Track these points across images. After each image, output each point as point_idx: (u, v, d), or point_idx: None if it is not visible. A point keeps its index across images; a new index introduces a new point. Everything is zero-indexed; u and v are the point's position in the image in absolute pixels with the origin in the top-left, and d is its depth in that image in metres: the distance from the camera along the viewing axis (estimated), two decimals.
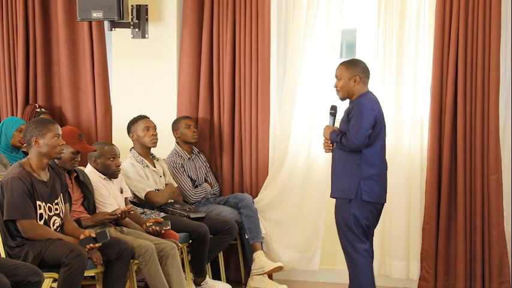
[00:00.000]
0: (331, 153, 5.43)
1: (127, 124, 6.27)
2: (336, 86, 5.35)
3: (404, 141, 6.26)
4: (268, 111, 6.49)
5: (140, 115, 6.26)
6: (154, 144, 6.21)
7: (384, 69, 6.27)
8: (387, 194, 5.40)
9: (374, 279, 5.38)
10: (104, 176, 5.61)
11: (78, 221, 5.18)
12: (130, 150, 6.23)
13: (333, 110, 5.47)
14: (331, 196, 5.40)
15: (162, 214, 5.97)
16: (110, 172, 5.61)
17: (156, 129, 6.22)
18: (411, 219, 6.24)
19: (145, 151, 6.21)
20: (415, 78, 6.21)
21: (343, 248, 5.38)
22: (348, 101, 5.39)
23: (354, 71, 5.30)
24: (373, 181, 5.26)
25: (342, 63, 5.41)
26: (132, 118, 6.26)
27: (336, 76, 5.35)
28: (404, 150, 6.25)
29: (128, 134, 6.24)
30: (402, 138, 6.25)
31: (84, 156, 6.05)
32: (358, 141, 5.17)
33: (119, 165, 5.67)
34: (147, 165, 6.16)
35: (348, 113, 5.27)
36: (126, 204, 5.75)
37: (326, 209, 6.43)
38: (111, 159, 5.61)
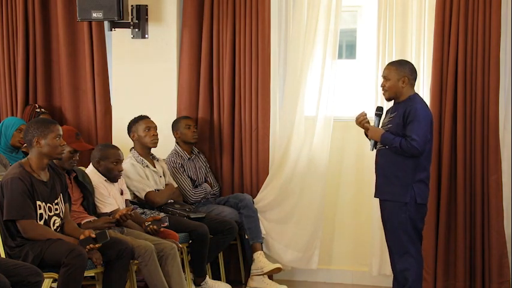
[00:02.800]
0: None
1: (127, 124, 6.27)
2: (383, 86, 5.41)
3: None
4: (268, 111, 6.48)
5: (141, 115, 6.26)
6: (155, 145, 6.21)
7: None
8: None
9: (422, 281, 5.46)
10: (104, 178, 5.61)
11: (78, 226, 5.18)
12: (131, 150, 6.24)
13: (379, 111, 5.51)
14: (379, 197, 5.45)
15: (162, 214, 5.97)
16: (111, 176, 5.61)
17: (156, 129, 6.22)
18: None
19: (145, 151, 6.21)
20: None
21: (392, 251, 5.40)
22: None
23: (402, 71, 5.36)
24: (424, 184, 5.34)
25: (391, 64, 5.49)
26: (133, 118, 6.26)
27: (384, 76, 5.41)
28: None
29: (129, 134, 6.25)
30: None
31: (86, 157, 6.06)
32: (420, 147, 5.23)
33: (121, 170, 5.67)
34: (147, 165, 6.17)
35: (403, 116, 5.28)
36: (126, 206, 5.75)
37: (325, 209, 6.46)
38: (115, 163, 5.61)
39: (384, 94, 5.46)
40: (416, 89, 6.17)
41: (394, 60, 5.80)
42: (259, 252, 6.27)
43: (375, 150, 5.53)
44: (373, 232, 6.28)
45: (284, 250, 6.45)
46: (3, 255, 4.72)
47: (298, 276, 6.66)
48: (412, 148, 5.23)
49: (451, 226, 6.10)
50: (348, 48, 8.68)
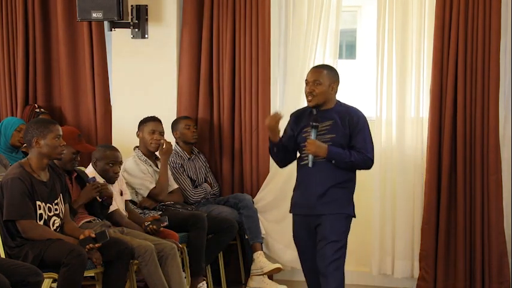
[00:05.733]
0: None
1: (139, 121, 6.26)
2: (311, 91, 4.85)
3: (405, 141, 6.25)
4: (268, 111, 6.47)
5: (153, 116, 6.25)
6: (155, 149, 6.20)
7: (384, 69, 6.26)
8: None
9: None
10: (103, 179, 5.61)
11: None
12: (134, 149, 6.24)
13: (317, 123, 4.85)
14: (328, 213, 4.89)
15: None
16: (107, 177, 5.57)
17: (161, 134, 6.20)
18: (411, 218, 6.23)
19: (148, 152, 6.22)
20: (415, 78, 6.22)
21: (336, 267, 4.87)
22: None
23: (333, 77, 4.92)
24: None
25: (321, 67, 5.01)
26: (145, 117, 6.26)
27: (313, 80, 4.86)
28: (405, 150, 6.25)
29: (137, 131, 6.25)
30: (403, 138, 6.25)
31: (86, 156, 6.06)
32: (373, 158, 4.88)
33: (117, 172, 5.62)
34: (150, 165, 6.18)
35: (347, 125, 4.84)
36: (126, 207, 5.75)
37: None
38: (110, 164, 5.57)
39: (310, 100, 4.87)
40: (416, 89, 6.20)
41: (320, 64, 5.35)
42: (259, 252, 6.27)
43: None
44: (373, 232, 6.29)
45: (284, 250, 6.45)
46: (3, 255, 4.72)
47: (298, 276, 6.63)
48: (368, 160, 4.86)
49: (451, 226, 6.10)
50: (348, 48, 8.70)
